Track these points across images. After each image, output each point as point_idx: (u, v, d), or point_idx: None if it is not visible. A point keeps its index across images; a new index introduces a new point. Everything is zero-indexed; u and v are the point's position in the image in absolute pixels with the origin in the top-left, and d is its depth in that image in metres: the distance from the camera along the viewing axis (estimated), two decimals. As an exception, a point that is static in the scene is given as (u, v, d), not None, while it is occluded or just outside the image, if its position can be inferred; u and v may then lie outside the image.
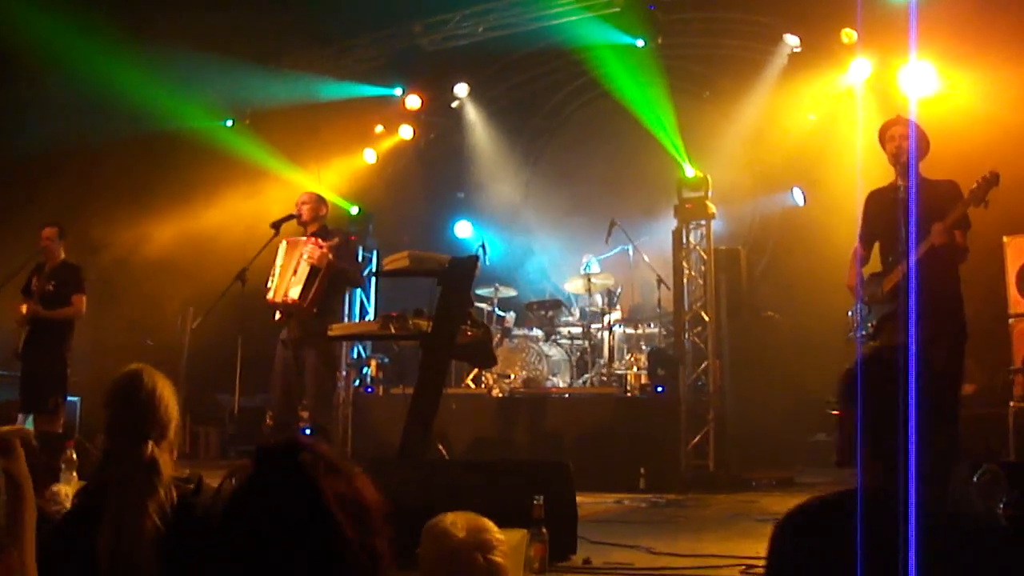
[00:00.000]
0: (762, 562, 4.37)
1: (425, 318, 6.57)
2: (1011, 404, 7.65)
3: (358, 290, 13.08)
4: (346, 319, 11.60)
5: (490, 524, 2.81)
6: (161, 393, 3.20)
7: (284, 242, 8.43)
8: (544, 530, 4.47)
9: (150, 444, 3.08)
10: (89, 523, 2.96)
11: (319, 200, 8.70)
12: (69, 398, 9.85)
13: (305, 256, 8.19)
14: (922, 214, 5.71)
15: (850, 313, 6.53)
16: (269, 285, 8.28)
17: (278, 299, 8.18)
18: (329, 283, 8.28)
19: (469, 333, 6.62)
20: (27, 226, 9.95)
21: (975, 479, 4.29)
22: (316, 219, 8.56)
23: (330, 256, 8.18)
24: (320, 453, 1.85)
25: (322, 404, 8.49)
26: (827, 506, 2.40)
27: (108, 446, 3.20)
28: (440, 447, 7.93)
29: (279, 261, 8.33)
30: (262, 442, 2.03)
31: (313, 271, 8.16)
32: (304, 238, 8.44)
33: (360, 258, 12.73)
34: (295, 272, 8.18)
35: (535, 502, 4.49)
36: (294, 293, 8.09)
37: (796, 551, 2.37)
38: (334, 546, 1.75)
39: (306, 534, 1.74)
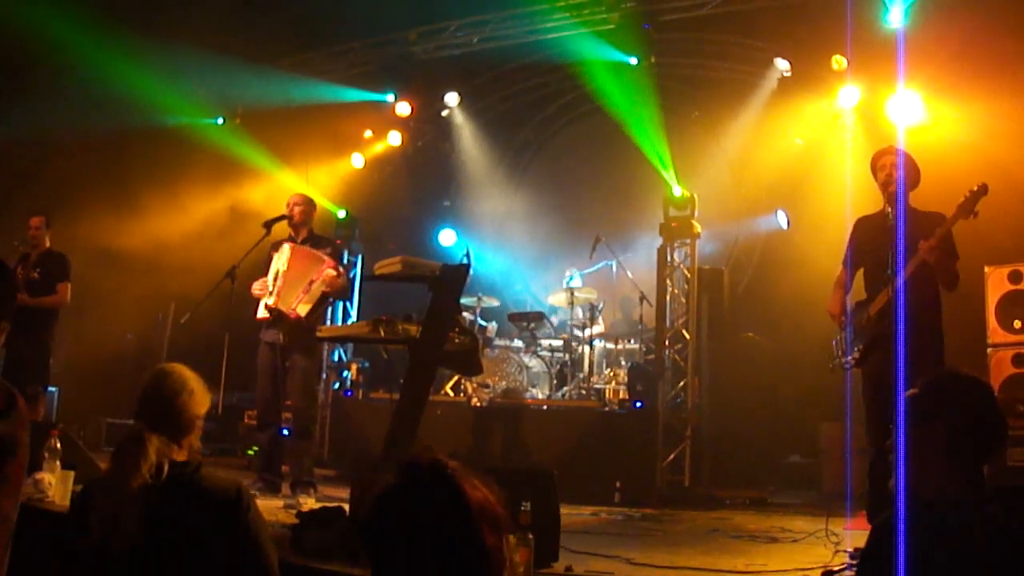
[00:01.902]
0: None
1: (414, 323, 6.60)
2: (986, 432, 7.73)
3: (341, 292, 13.13)
4: (328, 322, 11.60)
5: None
6: (183, 398, 3.46)
7: (290, 248, 8.32)
8: (530, 535, 4.53)
9: (154, 438, 3.25)
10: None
11: (311, 202, 8.74)
12: (48, 388, 9.86)
13: (322, 280, 8.18)
14: (909, 243, 5.79)
15: (835, 341, 6.58)
16: (270, 288, 8.23)
17: (284, 308, 8.12)
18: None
19: (457, 340, 6.66)
20: (14, 215, 9.96)
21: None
22: (307, 221, 8.60)
23: (343, 284, 8.30)
24: (463, 466, 2.03)
25: (307, 406, 8.51)
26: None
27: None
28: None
29: (282, 267, 8.22)
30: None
31: (324, 296, 8.24)
32: (314, 250, 8.37)
33: (345, 262, 12.76)
34: (307, 290, 8.14)
35: (522, 508, 4.54)
36: (303, 310, 8.09)
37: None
38: (476, 549, 1.93)
39: (452, 536, 1.93)
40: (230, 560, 3.21)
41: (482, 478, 2.05)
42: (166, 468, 3.25)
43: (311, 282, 8.14)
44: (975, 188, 5.81)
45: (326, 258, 8.30)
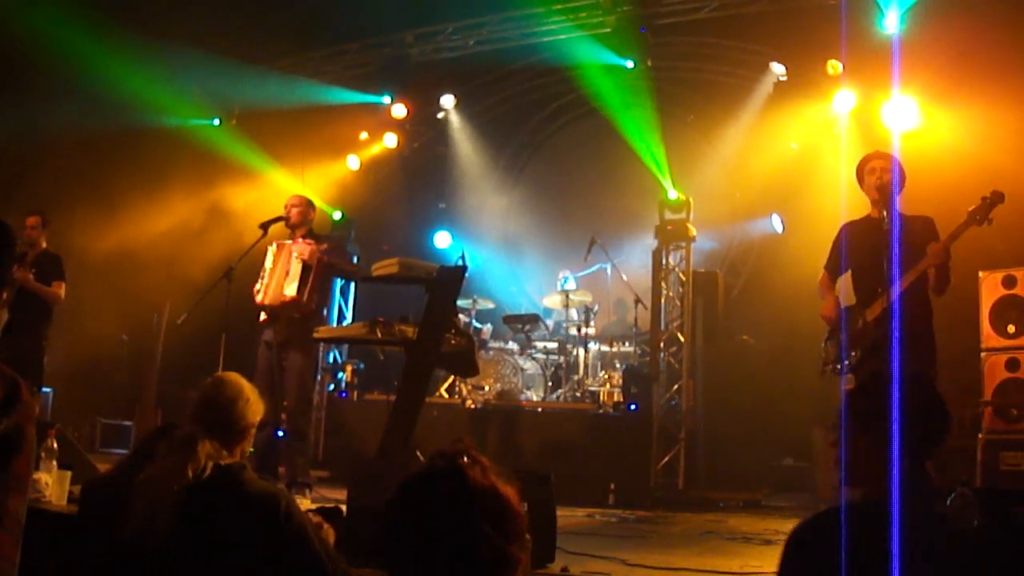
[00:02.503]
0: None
1: (411, 324, 6.62)
2: (979, 436, 7.77)
3: (337, 297, 13.15)
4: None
5: None
6: (240, 406, 3.53)
7: (273, 245, 8.48)
8: (528, 536, 4.54)
9: (207, 443, 3.32)
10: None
11: (308, 204, 8.75)
12: (43, 389, 9.85)
13: (295, 254, 8.26)
14: (903, 247, 5.81)
15: (823, 345, 6.61)
16: (258, 288, 8.33)
17: (267, 301, 8.23)
18: (323, 279, 8.41)
19: (453, 342, 6.67)
20: (9, 215, 9.94)
21: (947, 503, 4.40)
22: (304, 222, 8.62)
23: (319, 252, 8.28)
24: (478, 459, 2.14)
25: (302, 407, 8.51)
26: (826, 518, 2.57)
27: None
28: (418, 453, 7.97)
29: (267, 264, 8.38)
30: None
31: (306, 268, 8.24)
32: (290, 241, 8.50)
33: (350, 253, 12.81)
34: (287, 272, 8.23)
35: (519, 509, 4.55)
36: (290, 291, 8.13)
37: (801, 562, 2.53)
38: (476, 539, 2.02)
39: (453, 523, 2.03)
40: (270, 568, 3.21)
41: (505, 477, 2.16)
42: (209, 468, 3.27)
43: (288, 263, 8.24)
44: (988, 196, 5.82)
45: (297, 240, 8.41)
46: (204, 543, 3.13)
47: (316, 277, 8.27)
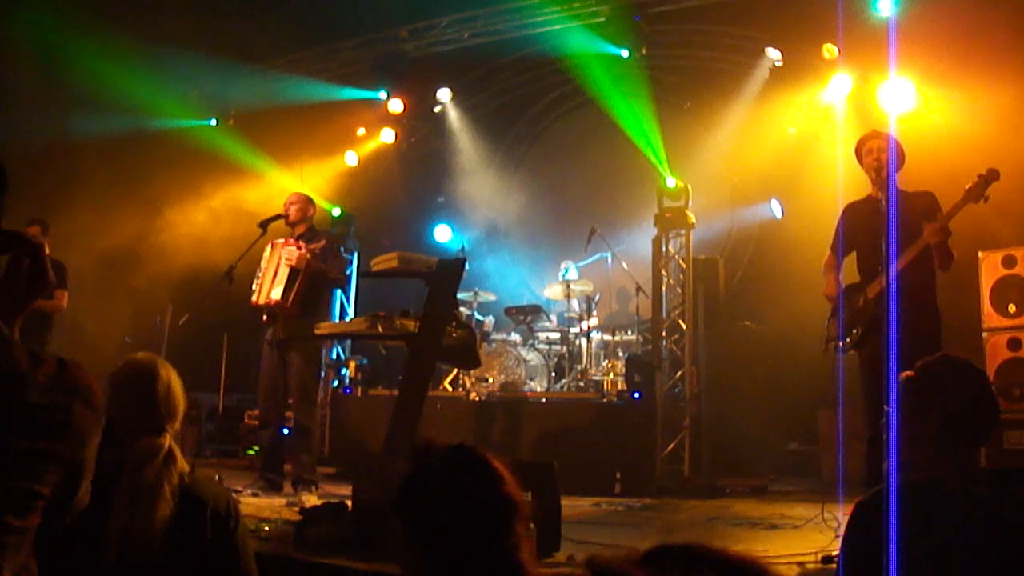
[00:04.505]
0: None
1: (412, 319, 6.63)
2: (982, 416, 7.77)
3: (339, 292, 13.15)
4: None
5: None
6: (175, 385, 3.33)
7: (269, 245, 8.51)
8: (532, 525, 4.55)
9: (167, 435, 3.21)
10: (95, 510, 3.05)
11: (307, 201, 8.77)
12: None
13: (284, 258, 8.28)
14: (902, 225, 5.81)
15: (827, 323, 6.62)
16: (253, 288, 8.37)
17: (261, 301, 8.28)
18: (310, 283, 8.38)
19: (454, 335, 6.68)
20: (10, 223, 9.93)
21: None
22: (304, 220, 8.63)
23: (308, 257, 8.28)
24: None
25: (306, 404, 8.55)
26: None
27: (117, 433, 3.26)
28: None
29: (262, 264, 8.44)
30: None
31: (293, 272, 8.26)
32: (283, 240, 8.51)
33: (344, 253, 12.82)
34: (275, 275, 8.27)
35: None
36: (276, 294, 8.19)
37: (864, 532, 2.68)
38: (504, 501, 2.27)
39: (481, 492, 2.26)
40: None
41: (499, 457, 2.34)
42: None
43: (277, 266, 8.24)
44: (984, 173, 5.83)
45: (288, 241, 8.41)
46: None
47: (304, 281, 8.29)
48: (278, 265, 8.30)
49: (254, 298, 8.36)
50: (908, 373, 3.01)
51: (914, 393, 2.99)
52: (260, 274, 8.44)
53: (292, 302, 8.20)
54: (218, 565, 3.22)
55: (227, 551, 3.26)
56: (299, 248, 8.33)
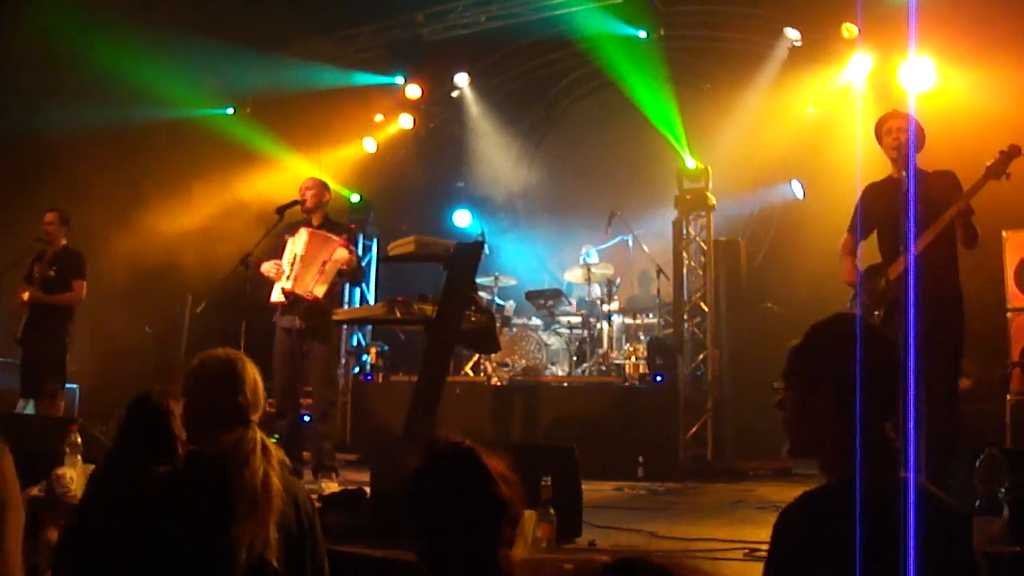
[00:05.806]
0: (764, 546, 4.44)
1: (430, 303, 6.60)
2: (1008, 397, 7.70)
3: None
4: (346, 305, 11.57)
5: None
6: (257, 376, 3.42)
7: (306, 232, 8.24)
8: (552, 510, 4.54)
9: (254, 426, 3.28)
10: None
11: (323, 186, 8.68)
12: (68, 385, 9.88)
13: (336, 258, 8.17)
14: (923, 205, 5.76)
15: (849, 304, 6.56)
16: (287, 272, 8.16)
17: (300, 291, 8.06)
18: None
19: (473, 319, 6.65)
20: (28, 212, 9.96)
21: (976, 464, 4.37)
22: (320, 206, 8.53)
23: (354, 260, 8.33)
24: (475, 442, 2.49)
25: (326, 391, 8.52)
26: (822, 495, 2.46)
27: (197, 428, 3.33)
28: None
29: (299, 251, 8.13)
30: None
31: (340, 274, 8.24)
32: (329, 234, 8.35)
33: (360, 246, 12.79)
34: (322, 271, 8.12)
35: (542, 483, 4.55)
36: (320, 291, 8.06)
37: (795, 538, 2.42)
38: (495, 500, 2.40)
39: (475, 491, 2.40)
40: None
41: (494, 451, 2.48)
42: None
43: (324, 263, 8.13)
44: (1006, 149, 5.75)
45: (336, 238, 8.31)
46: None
47: (340, 280, 8.38)
48: (326, 261, 8.16)
49: (288, 284, 8.15)
50: (795, 341, 2.58)
51: (799, 371, 2.57)
52: (296, 261, 8.18)
53: (326, 299, 8.17)
54: (305, 556, 3.25)
55: (314, 542, 3.30)
56: (351, 252, 8.33)
